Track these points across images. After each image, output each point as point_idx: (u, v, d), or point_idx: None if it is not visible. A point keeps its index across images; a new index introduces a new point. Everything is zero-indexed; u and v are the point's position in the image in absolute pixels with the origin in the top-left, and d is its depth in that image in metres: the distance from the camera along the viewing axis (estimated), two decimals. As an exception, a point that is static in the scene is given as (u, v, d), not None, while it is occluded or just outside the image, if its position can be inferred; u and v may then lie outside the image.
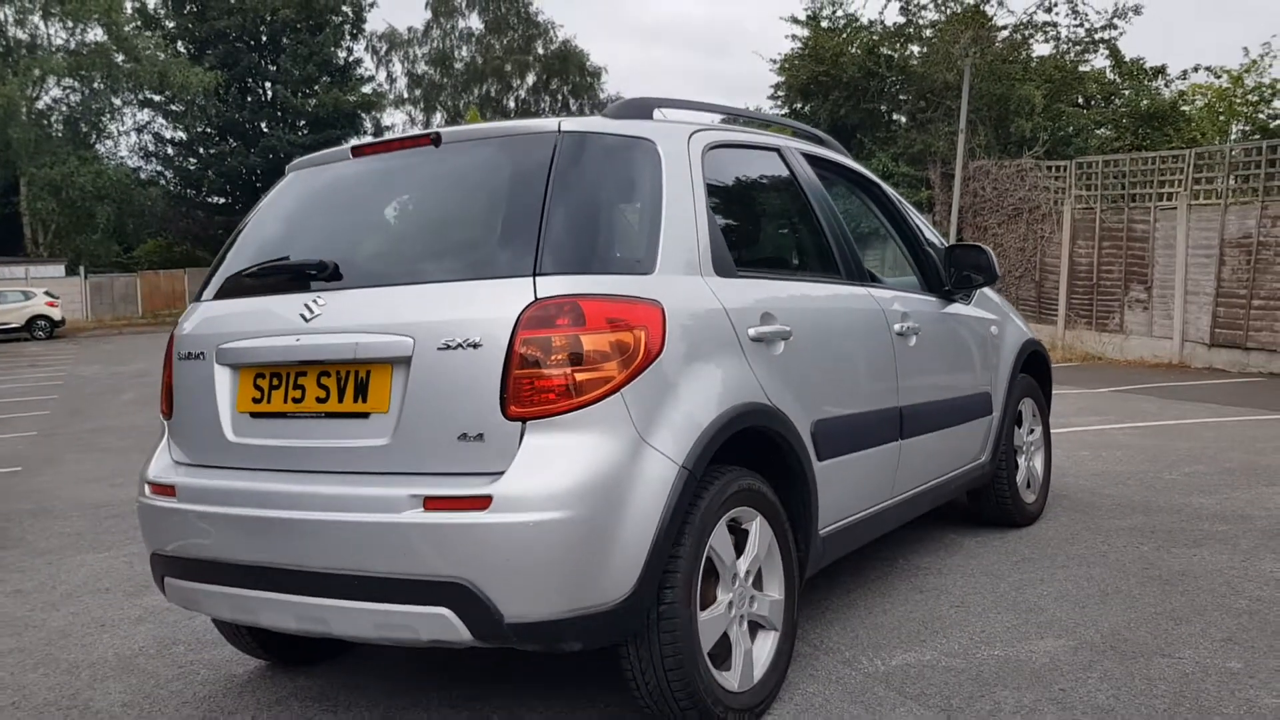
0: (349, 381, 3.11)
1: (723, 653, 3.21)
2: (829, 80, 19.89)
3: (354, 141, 3.66)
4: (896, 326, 4.34)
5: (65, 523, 6.96)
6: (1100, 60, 20.06)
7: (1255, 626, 3.93)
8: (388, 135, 3.66)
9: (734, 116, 4.39)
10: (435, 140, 3.37)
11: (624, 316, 2.96)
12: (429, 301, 3.04)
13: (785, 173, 4.14)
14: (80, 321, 41.22)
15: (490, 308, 2.92)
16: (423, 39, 61.67)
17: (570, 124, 3.25)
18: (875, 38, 20.09)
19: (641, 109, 3.59)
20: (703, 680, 3.06)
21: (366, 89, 51.59)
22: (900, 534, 5.23)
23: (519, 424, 2.84)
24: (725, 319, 3.33)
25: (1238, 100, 24.56)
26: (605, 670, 3.60)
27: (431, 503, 2.86)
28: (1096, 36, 18.97)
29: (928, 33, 19.80)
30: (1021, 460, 5.57)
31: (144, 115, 47.50)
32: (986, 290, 5.45)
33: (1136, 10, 18.31)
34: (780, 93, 22.44)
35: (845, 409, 3.89)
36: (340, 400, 3.12)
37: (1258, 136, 21.06)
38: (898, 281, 4.82)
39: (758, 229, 4.29)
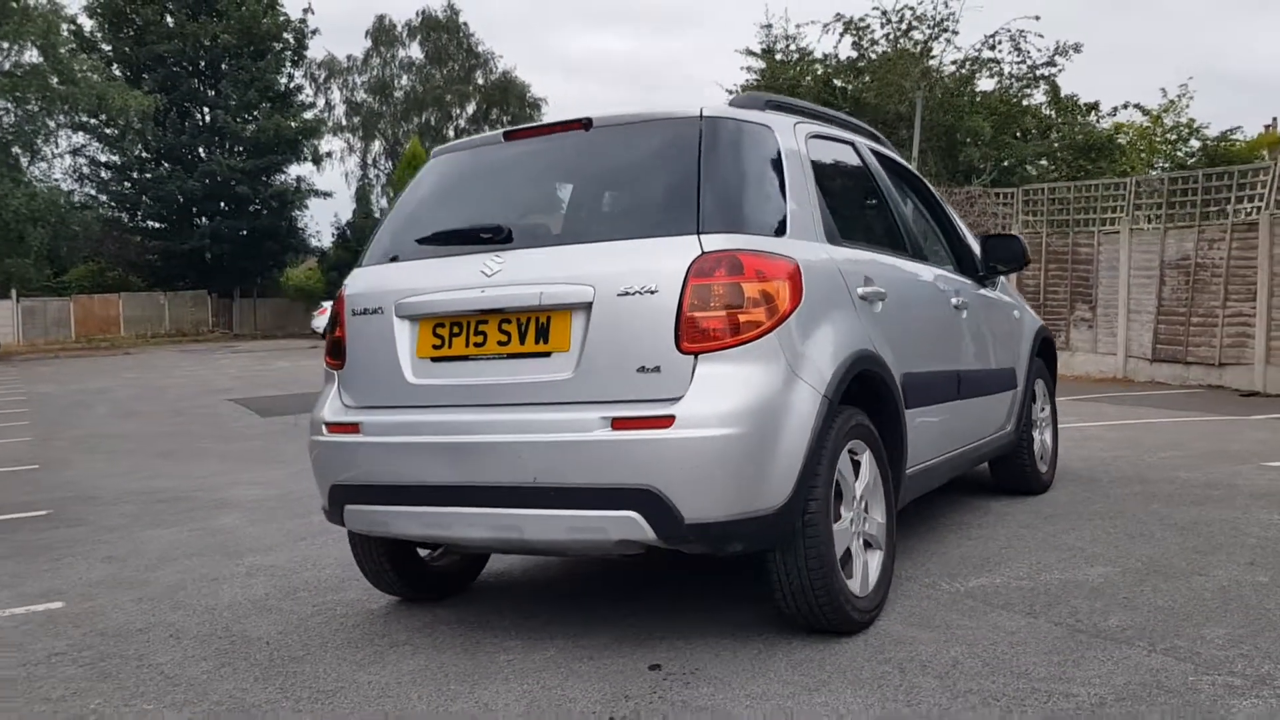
0: (530, 326, 3.59)
1: (844, 562, 3.71)
2: (785, 110, 20.74)
3: (505, 127, 4.17)
4: (953, 300, 4.95)
5: (117, 507, 7.24)
6: (1039, 95, 21.23)
7: (1271, 553, 4.56)
8: (540, 121, 4.19)
9: (815, 115, 4.95)
10: (586, 124, 3.90)
11: (772, 269, 3.48)
12: (606, 257, 3.56)
13: (859, 162, 4.73)
14: (12, 345, 40.52)
15: (664, 260, 3.44)
16: (362, 67, 62.03)
17: (709, 110, 3.81)
18: (828, 70, 21.02)
19: (755, 101, 4.15)
20: (837, 581, 3.57)
21: (308, 115, 51.52)
22: (931, 499, 5.79)
23: (691, 358, 3.35)
24: (840, 278, 3.88)
25: (1158, 138, 26.04)
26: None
27: (619, 423, 3.35)
28: (1038, 73, 20.11)
29: (874, 65, 20.78)
30: (1035, 434, 6.18)
31: (79, 139, 46.92)
32: (1003, 280, 6.08)
33: (1076, 48, 19.50)
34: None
35: (925, 366, 4.46)
36: (522, 343, 3.60)
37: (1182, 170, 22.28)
38: (938, 264, 5.42)
39: (846, 207, 4.86)
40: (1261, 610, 3.78)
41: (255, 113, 48.65)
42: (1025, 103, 20.71)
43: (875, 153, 4.99)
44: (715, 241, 3.46)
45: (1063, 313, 17.39)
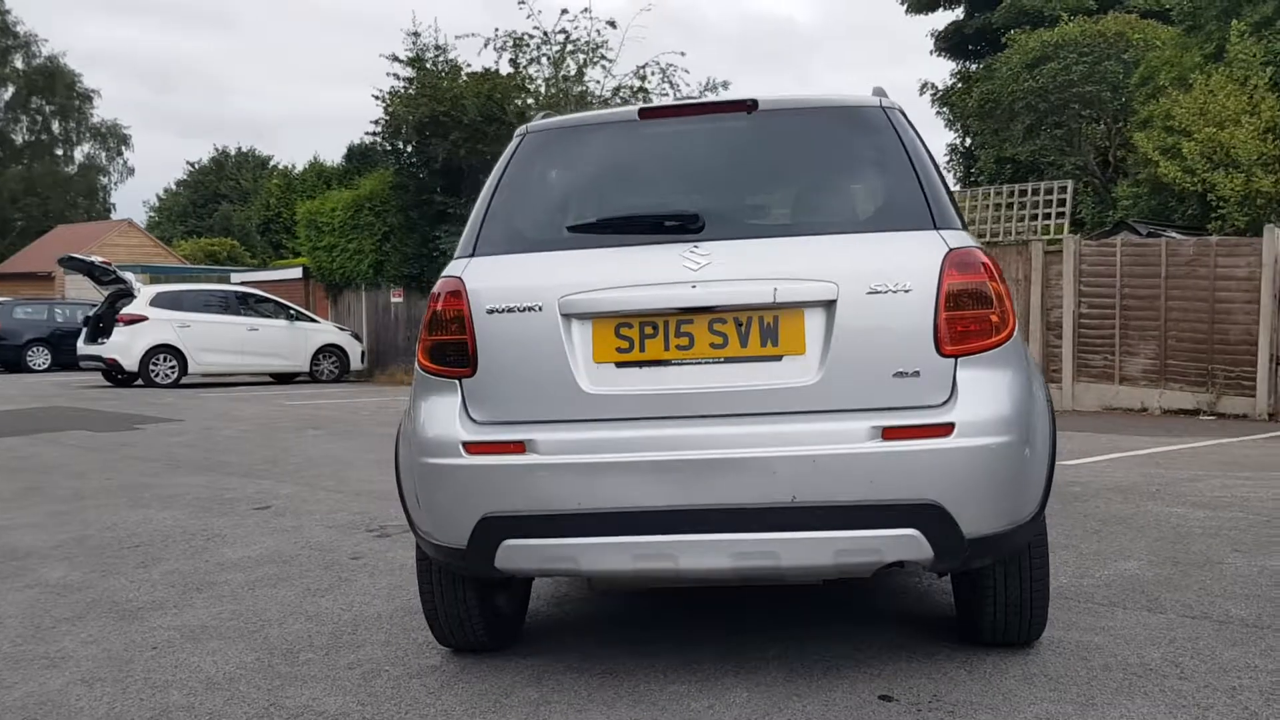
0: (752, 327, 3.17)
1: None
2: (449, 121, 20.25)
3: (639, 105, 3.68)
4: None
5: None
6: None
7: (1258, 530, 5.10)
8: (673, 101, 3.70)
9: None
10: (751, 106, 3.53)
11: (998, 268, 3.35)
12: (847, 250, 3.23)
13: None
14: None
15: (914, 257, 3.19)
16: None
17: (883, 100, 3.60)
18: (489, 85, 20.77)
19: (882, 91, 3.97)
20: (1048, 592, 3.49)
21: None
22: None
23: (952, 361, 3.13)
24: None
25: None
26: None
27: (891, 432, 3.05)
28: (688, 104, 21.09)
29: (537, 85, 20.90)
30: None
31: None
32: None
33: (724, 85, 20.84)
34: (378, 128, 22.32)
35: None
36: (744, 345, 3.17)
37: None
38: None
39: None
40: (1312, 591, 4.20)
41: None
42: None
43: None
44: (955, 238, 3.26)
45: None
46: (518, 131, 3.78)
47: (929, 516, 3.02)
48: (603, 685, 3.43)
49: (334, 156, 51.62)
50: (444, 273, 3.50)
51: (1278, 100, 12.45)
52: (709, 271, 3.20)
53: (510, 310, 3.30)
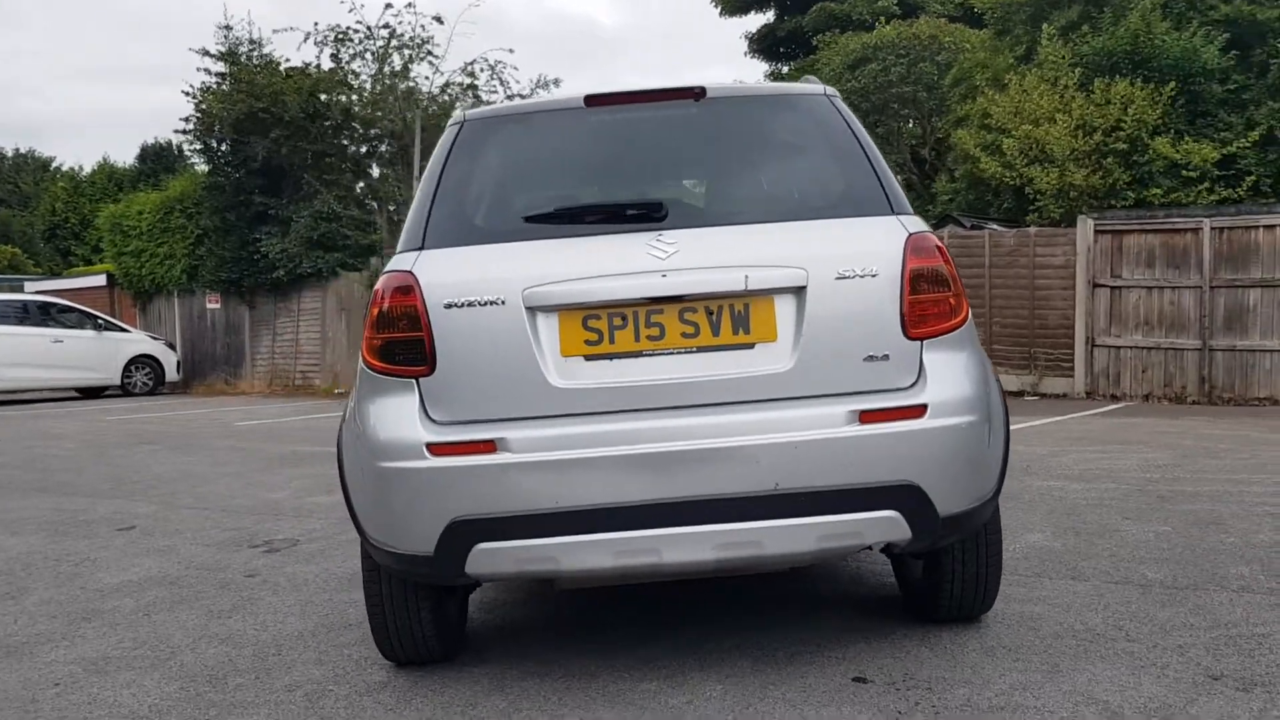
0: (723, 315, 3.13)
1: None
2: (270, 118, 19.37)
3: (586, 91, 3.54)
4: None
5: None
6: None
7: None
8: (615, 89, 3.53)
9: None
10: (699, 94, 3.48)
11: (947, 251, 3.41)
12: (812, 236, 3.21)
13: None
14: None
15: (877, 241, 3.21)
16: None
17: (826, 89, 3.62)
18: (311, 81, 20.01)
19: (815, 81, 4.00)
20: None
21: None
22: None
23: (918, 344, 3.17)
24: None
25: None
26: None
27: (868, 415, 3.06)
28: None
29: (361, 82, 20.26)
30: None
31: None
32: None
33: (556, 83, 20.71)
34: (190, 125, 21.14)
35: None
36: (716, 334, 3.12)
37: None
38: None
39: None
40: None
41: None
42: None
43: None
44: (911, 223, 3.30)
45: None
46: (453, 120, 3.60)
47: (907, 497, 3.05)
48: (570, 688, 3.32)
49: (126, 158, 48.55)
50: (389, 267, 3.31)
51: (1087, 99, 13.30)
52: (678, 260, 3.14)
53: (470, 305, 3.15)
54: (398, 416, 3.15)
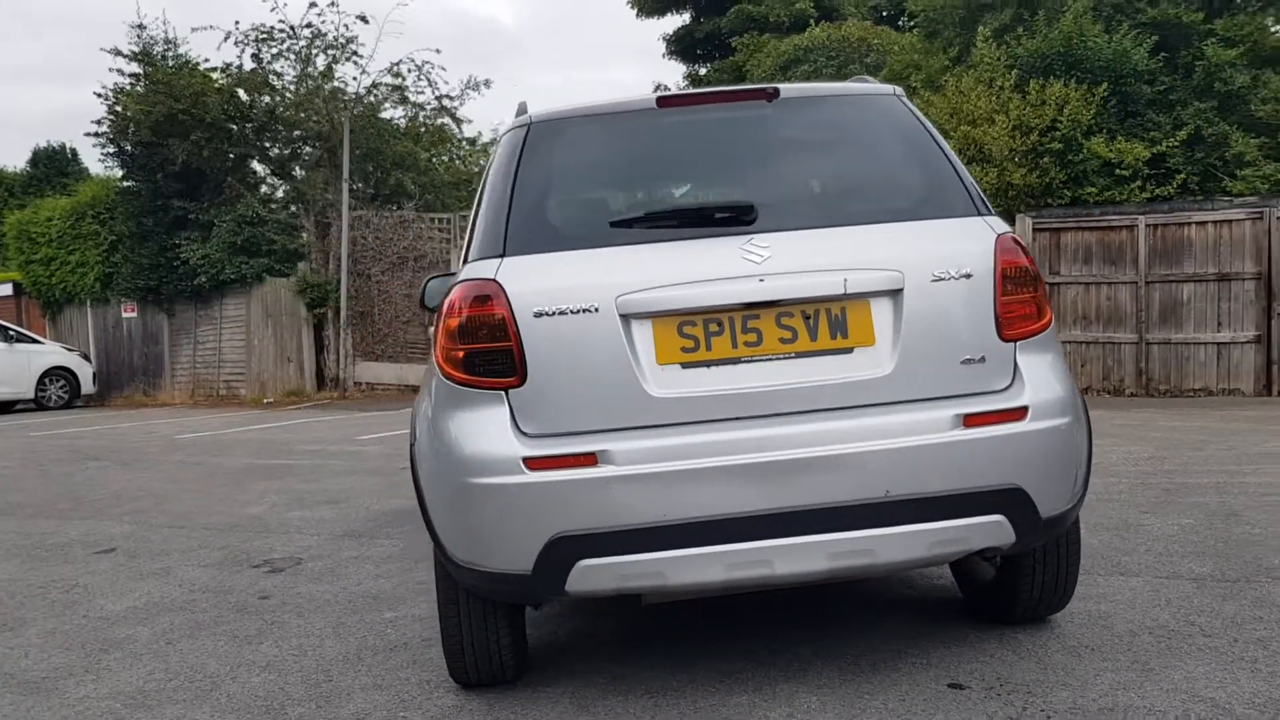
0: (820, 319, 3.06)
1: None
2: (190, 120, 18.72)
3: (656, 93, 3.45)
4: None
5: None
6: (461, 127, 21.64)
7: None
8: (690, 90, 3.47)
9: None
10: (771, 95, 3.42)
11: (1028, 251, 3.40)
12: (908, 238, 3.16)
13: None
14: None
15: (969, 242, 3.17)
16: None
17: (895, 89, 3.59)
18: (229, 80, 19.41)
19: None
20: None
21: None
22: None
23: (1011, 345, 3.15)
24: None
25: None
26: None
27: (971, 419, 3.03)
28: (444, 104, 20.58)
29: (285, 83, 19.72)
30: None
31: None
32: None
33: (487, 84, 20.41)
34: (103, 128, 20.31)
35: None
36: (814, 339, 3.05)
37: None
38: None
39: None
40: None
41: None
42: (446, 131, 21.05)
43: None
44: (997, 224, 3.28)
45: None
46: (518, 122, 3.47)
47: (1013, 501, 3.02)
48: (658, 705, 3.22)
49: (16, 162, 46.41)
50: (465, 275, 3.18)
51: (1024, 100, 13.58)
52: (773, 264, 3.06)
53: (562, 313, 3.03)
54: (487, 430, 3.03)
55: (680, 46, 32.98)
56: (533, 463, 2.95)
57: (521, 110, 3.70)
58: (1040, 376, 3.15)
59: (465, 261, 3.36)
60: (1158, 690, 3.08)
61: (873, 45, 18.87)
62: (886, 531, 2.96)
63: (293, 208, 19.79)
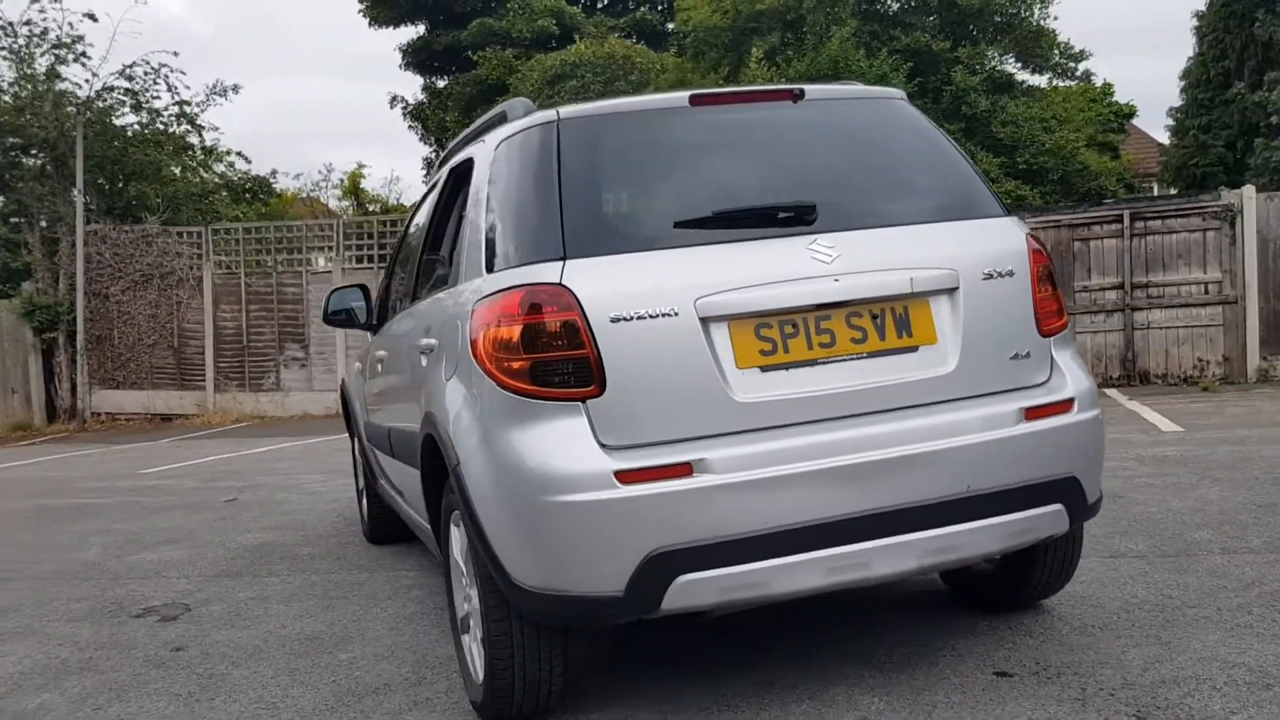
0: (886, 318, 3.05)
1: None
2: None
3: (689, 91, 3.33)
4: None
5: None
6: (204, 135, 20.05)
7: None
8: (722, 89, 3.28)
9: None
10: (797, 96, 3.39)
11: None
12: (958, 238, 3.20)
13: None
14: None
15: (1009, 241, 3.26)
16: None
17: (897, 90, 3.66)
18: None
19: None
20: None
21: None
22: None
23: (1048, 340, 3.27)
24: None
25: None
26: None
27: (1031, 412, 3.11)
28: (185, 110, 19.07)
29: (2, 84, 17.71)
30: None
31: None
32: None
33: (235, 89, 19.09)
34: None
35: None
36: (882, 338, 3.04)
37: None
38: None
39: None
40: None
41: None
42: (192, 138, 19.50)
43: None
44: (1020, 224, 3.40)
45: (271, 354, 17.16)
46: (544, 119, 3.23)
47: (1070, 490, 3.12)
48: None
49: None
50: (524, 280, 2.93)
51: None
52: (843, 263, 3.02)
53: (640, 318, 2.86)
54: (567, 444, 2.80)
55: (418, 59, 32.39)
56: (625, 476, 2.76)
57: (523, 108, 3.49)
58: (1071, 370, 3.28)
59: (491, 268, 3.13)
60: (1188, 660, 3.25)
61: (636, 63, 19.25)
62: (970, 526, 2.98)
63: (14, 220, 17.83)
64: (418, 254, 4.41)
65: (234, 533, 6.57)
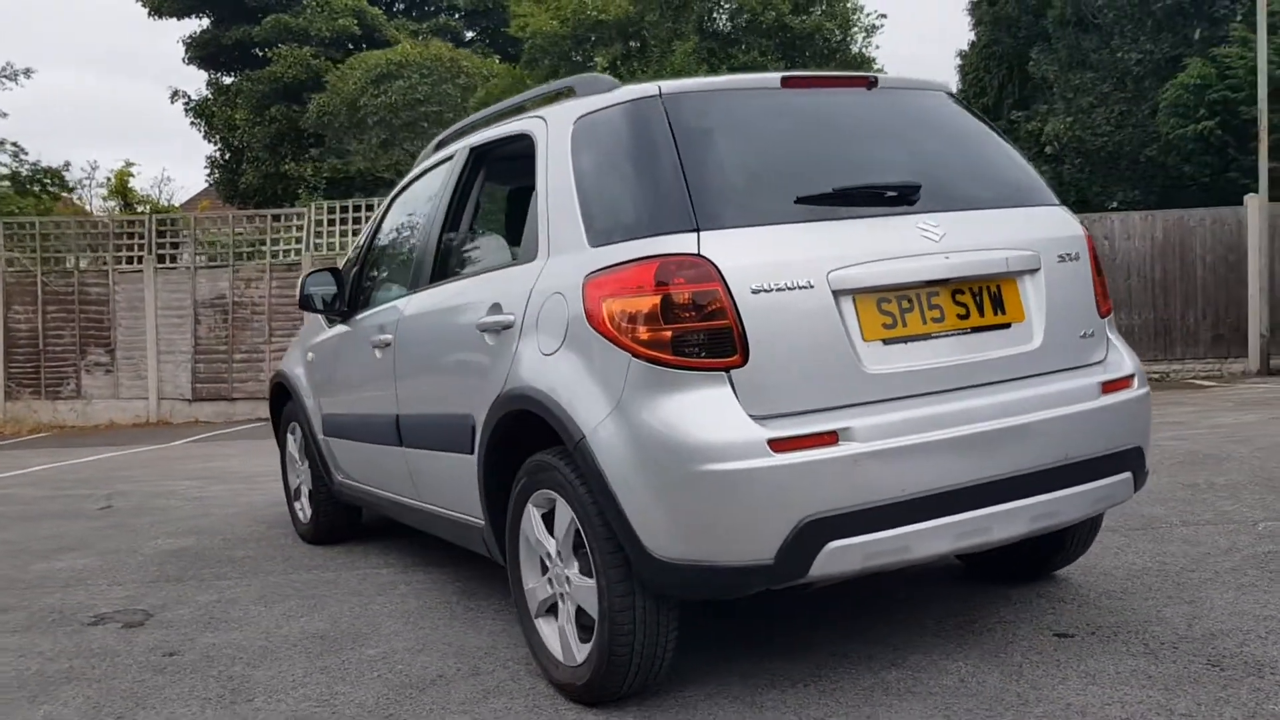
0: (983, 296, 3.20)
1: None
2: None
3: (779, 74, 3.39)
4: None
5: None
6: None
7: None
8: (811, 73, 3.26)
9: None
10: (872, 83, 3.52)
11: None
12: (1037, 221, 3.40)
13: None
14: None
15: (1072, 226, 3.49)
16: None
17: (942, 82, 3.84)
18: None
19: None
20: None
21: None
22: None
23: (1104, 320, 3.51)
24: None
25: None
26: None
27: (1106, 386, 3.33)
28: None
29: None
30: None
31: None
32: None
33: (28, 73, 17.50)
34: None
35: None
36: (981, 315, 3.18)
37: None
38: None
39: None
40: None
41: None
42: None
43: None
44: (1070, 212, 3.62)
45: (71, 359, 15.93)
46: (643, 93, 3.21)
47: (1136, 458, 3.37)
48: (822, 691, 3.11)
49: None
50: (657, 250, 2.90)
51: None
52: (949, 242, 3.15)
53: (779, 289, 2.88)
54: (716, 413, 2.79)
55: (204, 53, 30.70)
56: (777, 444, 2.77)
57: (606, 84, 3.45)
58: (1123, 349, 3.53)
59: (594, 242, 3.11)
60: (1223, 614, 3.53)
61: (463, 67, 19.01)
62: (1069, 492, 3.16)
63: None
64: (431, 236, 4.24)
65: (138, 539, 6.06)
